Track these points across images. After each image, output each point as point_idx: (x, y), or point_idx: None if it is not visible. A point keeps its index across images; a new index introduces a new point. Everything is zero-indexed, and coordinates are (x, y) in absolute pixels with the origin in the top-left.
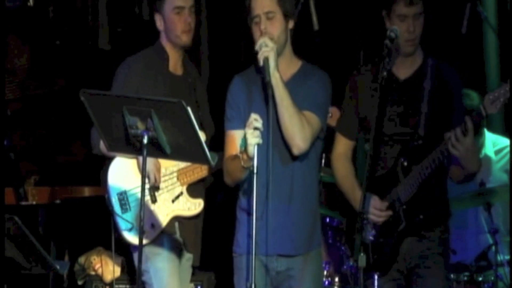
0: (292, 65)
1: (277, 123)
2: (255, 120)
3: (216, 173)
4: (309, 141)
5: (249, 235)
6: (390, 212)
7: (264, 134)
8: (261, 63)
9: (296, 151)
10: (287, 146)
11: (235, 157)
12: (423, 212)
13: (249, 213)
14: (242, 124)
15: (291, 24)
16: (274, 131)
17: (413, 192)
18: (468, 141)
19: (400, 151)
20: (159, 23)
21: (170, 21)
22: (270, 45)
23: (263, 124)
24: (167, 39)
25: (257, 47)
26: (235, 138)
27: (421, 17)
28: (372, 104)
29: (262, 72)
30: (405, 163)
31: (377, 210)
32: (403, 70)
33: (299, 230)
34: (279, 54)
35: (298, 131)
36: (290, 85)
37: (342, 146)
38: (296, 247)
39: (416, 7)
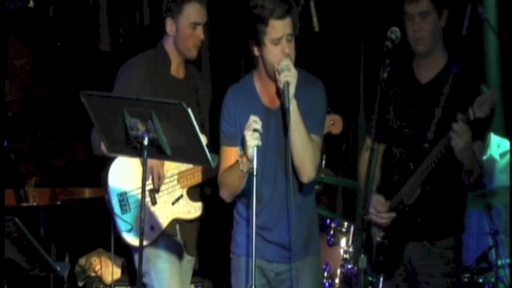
0: None
1: (278, 140)
2: (254, 122)
3: (214, 183)
4: (317, 169)
5: (248, 237)
6: (393, 214)
7: (262, 148)
8: (281, 86)
9: (306, 179)
10: (286, 158)
11: (233, 164)
12: (423, 214)
13: (248, 216)
14: (239, 140)
15: None
16: (273, 144)
17: (416, 194)
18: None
19: (407, 155)
20: (170, 28)
21: (184, 33)
22: (293, 70)
23: (262, 126)
24: (174, 45)
25: (279, 68)
26: (231, 154)
27: (430, 16)
28: (393, 106)
29: (281, 96)
30: (412, 167)
31: (377, 211)
32: (424, 73)
33: (297, 238)
34: None
35: (310, 160)
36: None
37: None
38: (293, 255)
39: (421, 5)
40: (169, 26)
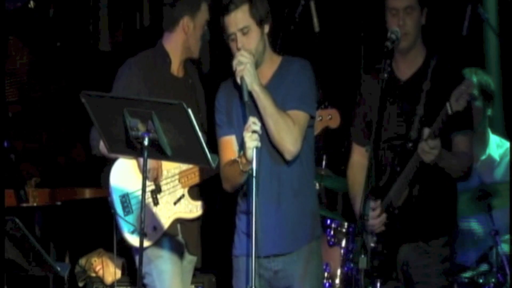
0: (272, 64)
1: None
2: (253, 123)
3: (215, 182)
4: (299, 142)
5: (247, 236)
6: (383, 218)
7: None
8: (239, 81)
9: (288, 156)
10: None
11: (233, 161)
12: (414, 215)
13: (248, 215)
14: (234, 129)
15: (266, 29)
16: (263, 133)
17: (403, 196)
18: (439, 143)
19: (394, 156)
20: (187, 27)
21: (199, 31)
22: (245, 60)
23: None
24: (182, 44)
25: (233, 67)
26: (229, 144)
27: (414, 12)
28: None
29: (240, 90)
30: (398, 168)
31: (374, 214)
32: (404, 70)
33: (291, 227)
34: (259, 61)
35: (286, 135)
36: (272, 85)
37: (357, 154)
38: (288, 244)
39: (406, 0)
40: (186, 24)
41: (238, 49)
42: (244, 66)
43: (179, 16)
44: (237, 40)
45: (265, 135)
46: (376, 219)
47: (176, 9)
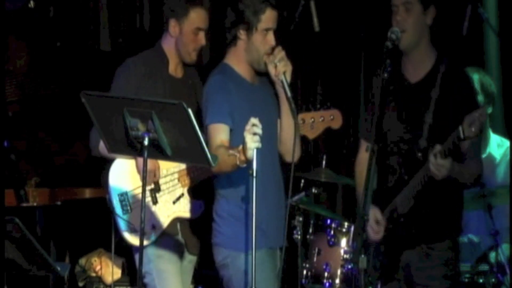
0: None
1: (263, 115)
2: (255, 125)
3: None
4: None
5: (260, 229)
6: (382, 233)
7: (264, 138)
8: (280, 77)
9: (296, 156)
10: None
11: (231, 154)
12: (419, 221)
13: (247, 215)
14: (229, 120)
15: None
16: (260, 119)
17: (410, 204)
18: (448, 163)
19: (401, 162)
20: (173, 29)
21: (186, 37)
22: (286, 59)
23: (262, 128)
24: (174, 46)
25: (275, 60)
26: (225, 131)
27: (413, 8)
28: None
29: (282, 86)
30: (406, 177)
31: (373, 229)
32: (412, 72)
33: (283, 224)
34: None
35: (298, 141)
36: (264, 87)
37: (364, 151)
38: (282, 240)
39: None
40: (173, 27)
41: (276, 46)
42: (288, 63)
43: (167, 17)
44: (271, 35)
45: (268, 136)
46: (377, 233)
47: (165, 10)
